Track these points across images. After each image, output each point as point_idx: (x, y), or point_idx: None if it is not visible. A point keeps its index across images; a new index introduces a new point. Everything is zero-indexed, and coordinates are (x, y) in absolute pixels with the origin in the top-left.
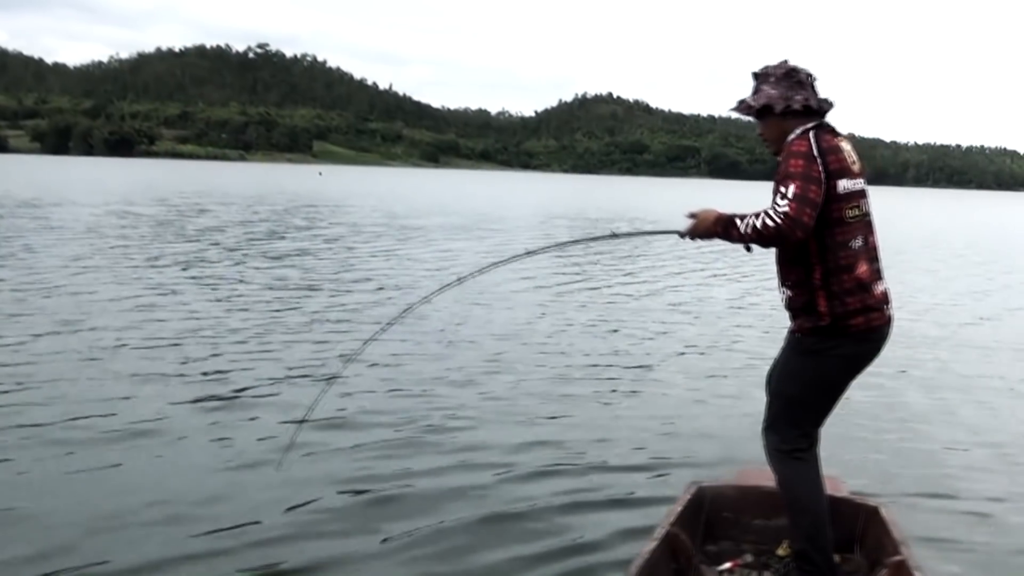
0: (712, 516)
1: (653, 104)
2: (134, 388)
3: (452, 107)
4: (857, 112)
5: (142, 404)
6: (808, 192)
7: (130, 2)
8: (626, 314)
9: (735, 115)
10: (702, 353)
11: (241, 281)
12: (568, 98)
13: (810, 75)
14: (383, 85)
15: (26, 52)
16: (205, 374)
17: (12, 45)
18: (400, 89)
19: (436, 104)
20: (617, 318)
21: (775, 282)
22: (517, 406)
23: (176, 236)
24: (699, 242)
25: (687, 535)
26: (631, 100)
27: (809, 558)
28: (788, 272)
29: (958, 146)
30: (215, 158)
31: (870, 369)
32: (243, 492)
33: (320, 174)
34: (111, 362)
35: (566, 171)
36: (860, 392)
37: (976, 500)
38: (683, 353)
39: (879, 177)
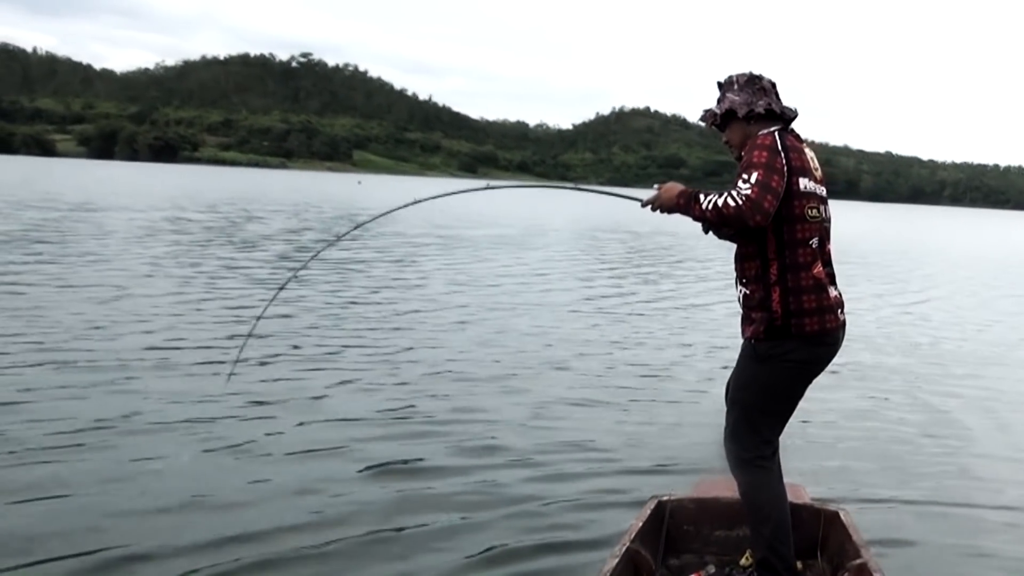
0: (673, 529)
1: (690, 118)
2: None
3: (490, 118)
4: (894, 130)
5: (187, 402)
6: (770, 181)
7: (177, 10)
8: (640, 319)
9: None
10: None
11: (295, 289)
12: (605, 111)
13: (773, 83)
14: (423, 95)
15: (75, 58)
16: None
17: (62, 51)
18: (439, 100)
19: (475, 115)
20: (631, 324)
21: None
22: (512, 401)
23: (229, 242)
24: (659, 213)
25: (648, 550)
26: (668, 114)
27: (771, 566)
28: (746, 267)
29: (995, 165)
30: (256, 165)
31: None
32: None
33: (359, 183)
34: (161, 361)
35: (602, 184)
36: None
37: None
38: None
39: (915, 195)
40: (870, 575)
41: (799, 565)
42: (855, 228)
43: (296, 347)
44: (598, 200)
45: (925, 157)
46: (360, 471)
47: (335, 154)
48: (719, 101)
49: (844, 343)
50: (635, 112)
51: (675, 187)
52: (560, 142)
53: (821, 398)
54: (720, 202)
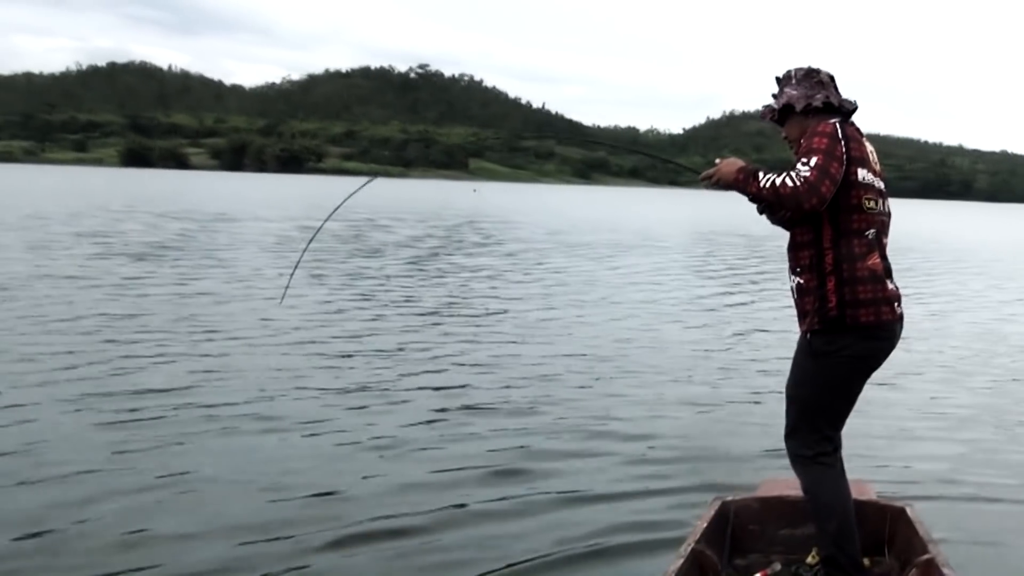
0: (738, 529)
1: None
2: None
3: (602, 125)
4: (1010, 128)
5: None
6: (830, 167)
7: (302, 26)
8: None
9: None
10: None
11: (429, 294)
12: (715, 115)
13: (831, 76)
14: (537, 104)
15: (208, 74)
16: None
17: (195, 68)
18: (553, 107)
19: (587, 122)
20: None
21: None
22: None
23: (361, 251)
24: (716, 190)
25: (713, 551)
26: None
27: (838, 563)
28: (800, 256)
29: None
30: (377, 174)
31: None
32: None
33: (475, 191)
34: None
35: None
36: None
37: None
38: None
39: None
40: (939, 571)
41: (866, 562)
42: (987, 232)
43: (430, 348)
44: (710, 201)
45: None
46: (434, 460)
47: (452, 163)
48: (777, 96)
49: (976, 346)
50: (746, 116)
51: (735, 163)
52: (671, 147)
53: (940, 393)
54: (779, 181)
